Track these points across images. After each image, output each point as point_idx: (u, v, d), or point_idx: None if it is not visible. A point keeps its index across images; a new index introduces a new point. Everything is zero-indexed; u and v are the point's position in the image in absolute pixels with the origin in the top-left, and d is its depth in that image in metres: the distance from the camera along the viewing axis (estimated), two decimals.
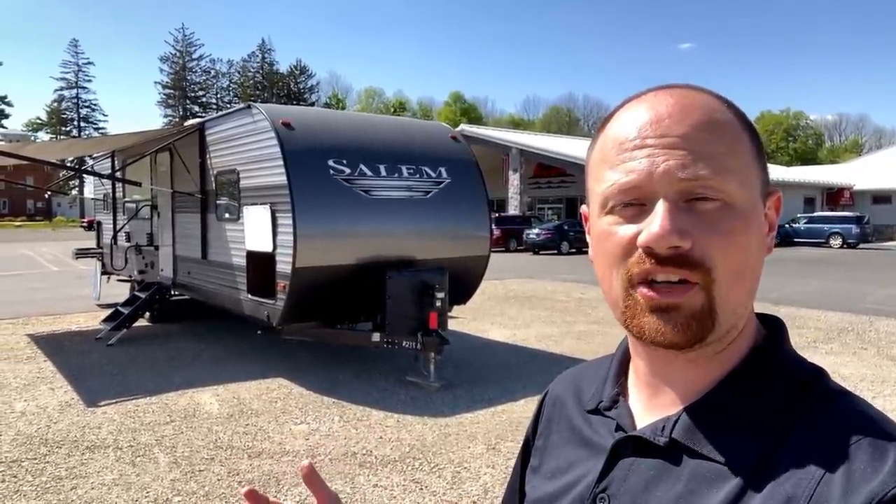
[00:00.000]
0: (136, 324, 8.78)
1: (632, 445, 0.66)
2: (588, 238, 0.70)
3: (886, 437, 0.56)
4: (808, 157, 73.95)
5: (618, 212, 0.63)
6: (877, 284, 14.75)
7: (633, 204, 0.62)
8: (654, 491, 0.63)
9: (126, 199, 10.69)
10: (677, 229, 0.58)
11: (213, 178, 7.80)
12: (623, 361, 0.76)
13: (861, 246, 29.01)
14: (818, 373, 0.65)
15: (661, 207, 0.59)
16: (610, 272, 0.64)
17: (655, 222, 0.59)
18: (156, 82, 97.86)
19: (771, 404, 0.61)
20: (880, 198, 37.05)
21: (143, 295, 9.03)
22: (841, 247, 28.84)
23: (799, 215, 31.96)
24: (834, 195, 37.84)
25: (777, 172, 39.65)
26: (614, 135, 0.64)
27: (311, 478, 0.75)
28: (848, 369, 6.87)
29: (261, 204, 6.65)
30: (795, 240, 29.88)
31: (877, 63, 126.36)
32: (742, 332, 0.65)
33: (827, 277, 16.28)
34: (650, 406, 0.69)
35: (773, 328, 0.68)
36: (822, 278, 16.04)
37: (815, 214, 32.39)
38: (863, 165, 43.05)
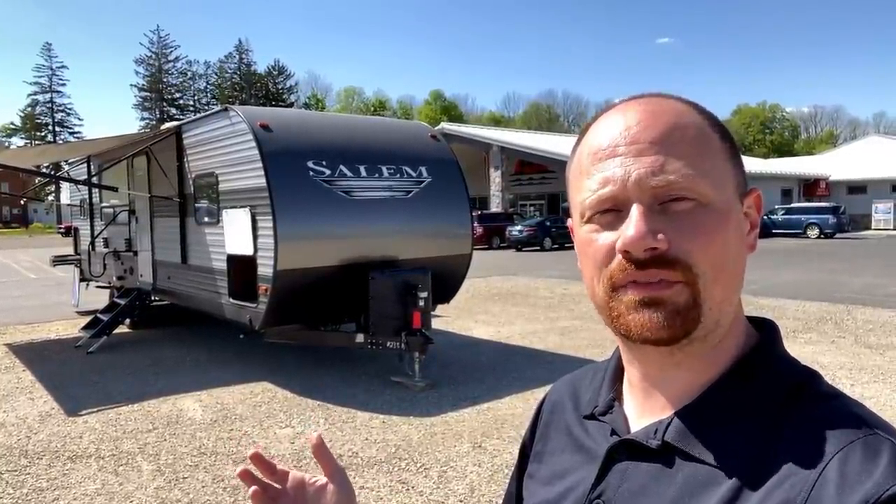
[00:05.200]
0: (117, 331, 8.68)
1: (626, 449, 0.67)
2: (575, 247, 0.71)
3: (880, 439, 0.56)
4: (784, 149, 74.99)
5: (596, 219, 0.64)
6: (853, 274, 14.99)
7: (610, 210, 0.63)
8: (648, 495, 0.63)
9: (103, 205, 10.56)
10: (652, 231, 0.59)
11: (191, 182, 7.73)
12: (619, 366, 0.76)
13: (838, 236, 29.50)
14: (811, 375, 0.65)
15: (635, 212, 0.61)
16: (594, 278, 0.65)
17: (630, 227, 0.60)
18: (132, 85, 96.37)
19: (763, 406, 0.62)
20: (855, 188, 37.67)
21: (122, 301, 8.93)
22: (818, 237, 29.29)
23: (776, 206, 32.37)
24: (810, 186, 38.43)
25: (754, 165, 40.18)
26: (589, 147, 0.66)
27: (320, 449, 0.79)
28: (826, 358, 6.98)
29: (240, 207, 6.60)
30: (773, 231, 30.25)
31: (851, 56, 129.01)
32: (729, 332, 0.65)
33: (805, 267, 16.51)
34: (644, 410, 0.69)
35: (765, 331, 0.69)
36: (800, 268, 16.27)
37: (793, 205, 32.88)
38: (838, 156, 43.68)
